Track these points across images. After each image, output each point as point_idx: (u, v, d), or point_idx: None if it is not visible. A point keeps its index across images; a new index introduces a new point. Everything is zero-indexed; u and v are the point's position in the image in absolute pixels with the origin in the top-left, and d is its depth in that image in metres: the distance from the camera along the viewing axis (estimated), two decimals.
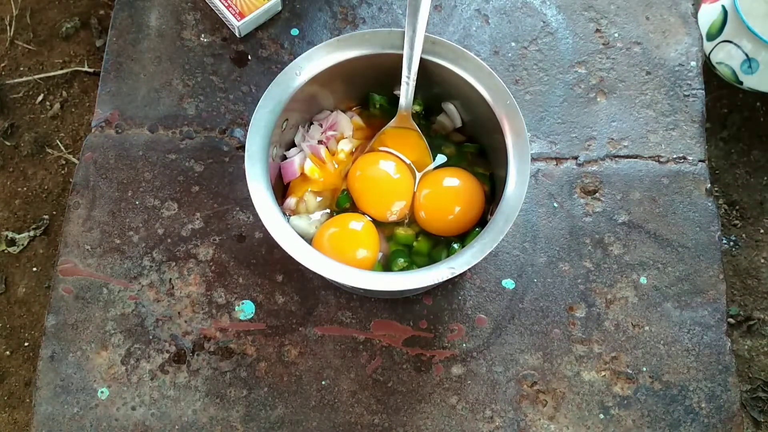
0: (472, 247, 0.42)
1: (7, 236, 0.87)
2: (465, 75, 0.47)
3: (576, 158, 0.59)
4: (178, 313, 0.54)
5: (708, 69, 0.94)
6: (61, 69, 0.94)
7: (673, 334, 0.54)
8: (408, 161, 0.51)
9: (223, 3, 0.61)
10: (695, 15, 0.64)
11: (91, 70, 0.94)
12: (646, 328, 0.54)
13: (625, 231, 0.56)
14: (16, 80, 0.93)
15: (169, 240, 0.56)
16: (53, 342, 0.54)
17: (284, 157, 0.52)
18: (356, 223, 0.49)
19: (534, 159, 0.59)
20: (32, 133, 0.91)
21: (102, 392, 0.52)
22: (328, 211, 0.51)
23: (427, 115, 0.54)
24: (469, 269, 0.44)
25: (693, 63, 0.62)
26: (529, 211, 0.57)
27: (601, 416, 0.52)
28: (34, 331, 0.84)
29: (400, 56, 0.47)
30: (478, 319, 0.54)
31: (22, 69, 0.94)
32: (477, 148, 0.52)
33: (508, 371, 0.53)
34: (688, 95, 0.61)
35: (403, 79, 0.48)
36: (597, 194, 0.58)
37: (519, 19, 0.64)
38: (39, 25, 0.96)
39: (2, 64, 0.94)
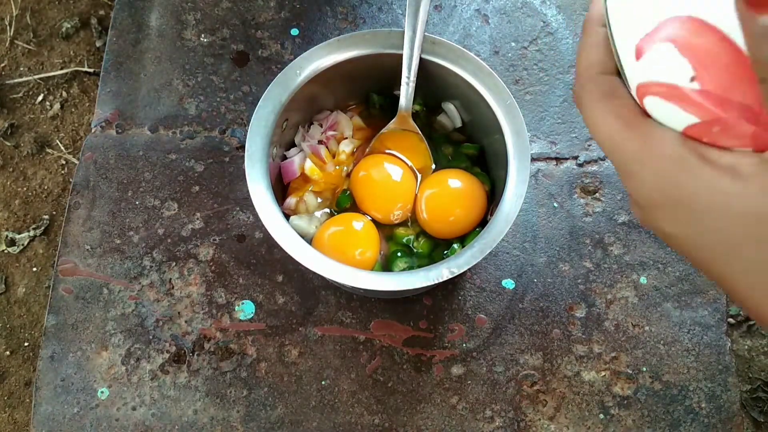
0: (472, 248, 0.42)
1: (7, 236, 0.86)
2: (465, 75, 0.47)
3: (576, 158, 0.59)
4: (178, 313, 0.54)
5: None
6: (61, 69, 0.94)
7: (673, 334, 0.54)
8: (410, 163, 0.51)
9: None
10: None
11: (91, 70, 0.94)
12: (646, 328, 0.54)
13: (625, 231, 0.56)
14: (16, 80, 0.93)
15: (169, 240, 0.56)
16: (53, 342, 0.54)
17: (284, 157, 0.52)
18: (356, 223, 0.49)
19: (534, 159, 0.59)
20: (32, 133, 0.91)
21: (102, 392, 0.52)
22: (328, 211, 0.51)
23: (427, 115, 0.54)
24: (469, 269, 0.44)
25: None
26: (529, 211, 0.57)
27: (601, 416, 0.52)
28: (34, 331, 0.84)
29: (400, 56, 0.47)
30: (478, 319, 0.54)
31: (22, 69, 0.94)
32: (477, 148, 0.52)
33: (508, 371, 0.53)
34: None
35: (403, 79, 0.48)
36: (597, 194, 0.58)
37: (519, 19, 0.64)
38: (39, 25, 0.96)
39: (2, 64, 0.94)
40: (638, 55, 0.25)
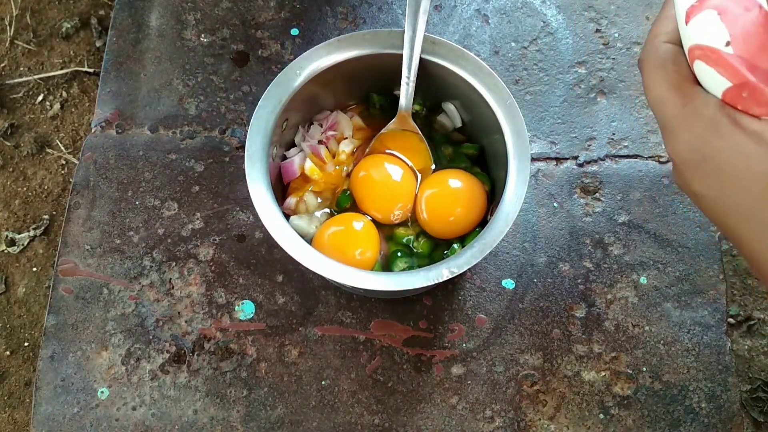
0: (472, 248, 0.42)
1: (7, 236, 0.86)
2: (465, 75, 0.47)
3: (576, 158, 0.59)
4: (178, 313, 0.54)
5: None
6: (61, 69, 0.94)
7: (673, 334, 0.54)
8: (410, 163, 0.51)
9: None
10: None
11: (91, 70, 0.94)
12: (646, 328, 0.54)
13: (625, 231, 0.56)
14: (16, 80, 0.93)
15: (169, 240, 0.56)
16: (53, 342, 0.54)
17: (284, 157, 0.52)
18: (356, 223, 0.49)
19: (534, 159, 0.59)
20: (32, 133, 0.91)
21: (102, 392, 0.52)
22: (328, 211, 0.51)
23: (427, 115, 0.54)
24: (469, 269, 0.44)
25: None
26: (529, 211, 0.57)
27: (601, 416, 0.52)
28: (34, 331, 0.84)
29: (400, 56, 0.47)
30: (478, 319, 0.54)
31: (22, 69, 0.94)
32: (477, 148, 0.52)
33: (508, 371, 0.53)
34: None
35: (403, 79, 0.48)
36: (597, 194, 0.58)
37: (519, 19, 0.64)
38: (39, 25, 0.96)
39: (2, 64, 0.94)
40: (687, 19, 0.28)
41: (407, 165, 0.51)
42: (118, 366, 0.53)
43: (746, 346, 0.82)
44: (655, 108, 0.31)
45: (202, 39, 0.63)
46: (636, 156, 0.59)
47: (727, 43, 0.26)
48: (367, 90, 0.53)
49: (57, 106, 0.92)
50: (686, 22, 0.28)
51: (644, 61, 0.32)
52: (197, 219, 0.57)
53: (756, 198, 0.27)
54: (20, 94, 0.93)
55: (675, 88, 0.29)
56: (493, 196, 0.50)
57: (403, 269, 0.48)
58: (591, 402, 0.52)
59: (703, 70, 0.28)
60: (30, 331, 0.84)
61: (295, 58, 0.47)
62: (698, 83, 0.29)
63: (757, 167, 0.26)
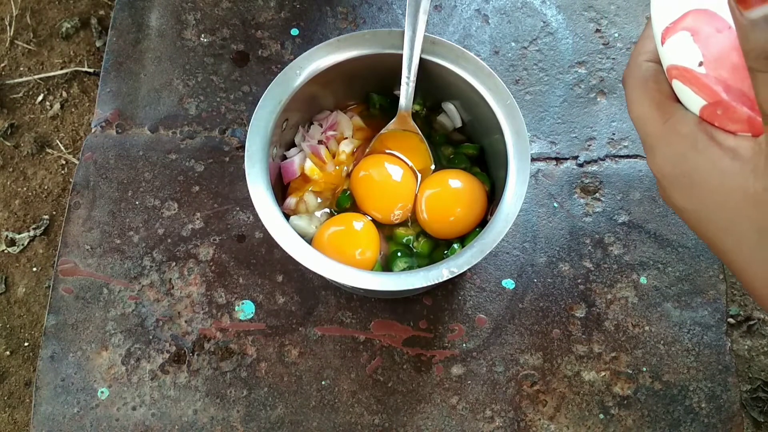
0: (472, 248, 0.42)
1: (7, 236, 0.87)
2: (465, 75, 0.47)
3: (576, 158, 0.59)
4: (178, 313, 0.54)
5: None
6: (61, 69, 0.94)
7: (673, 334, 0.54)
8: (410, 163, 0.51)
9: None
10: None
11: (91, 70, 0.94)
12: (646, 328, 0.54)
13: (625, 231, 0.56)
14: (16, 80, 0.93)
15: (169, 240, 0.56)
16: (53, 342, 0.54)
17: (284, 157, 0.52)
18: (356, 223, 0.49)
19: (534, 159, 0.59)
20: (32, 133, 0.91)
21: (102, 392, 0.52)
22: (328, 211, 0.51)
23: (427, 115, 0.54)
24: (469, 269, 0.44)
25: None
26: (529, 211, 0.57)
27: (601, 416, 0.52)
28: (34, 331, 0.84)
29: (400, 56, 0.47)
30: (478, 319, 0.54)
31: (22, 69, 0.94)
32: (477, 148, 0.52)
33: (508, 371, 0.53)
34: None
35: (403, 79, 0.48)
36: (597, 194, 0.58)
37: (519, 19, 0.64)
38: (39, 25, 0.96)
39: (2, 64, 0.94)
40: (663, 40, 0.29)
41: (407, 165, 0.51)
42: (118, 366, 0.53)
43: (746, 346, 0.82)
44: (637, 124, 0.32)
45: (202, 39, 0.63)
46: (636, 156, 0.59)
47: (701, 64, 0.27)
48: (367, 90, 0.53)
49: (57, 106, 0.92)
50: (662, 43, 0.29)
51: (627, 79, 0.32)
52: (197, 219, 0.57)
53: (732, 211, 0.28)
54: (20, 94, 0.93)
55: (656, 105, 0.30)
56: (493, 196, 0.50)
57: (403, 269, 0.48)
58: (591, 402, 0.52)
59: (680, 89, 0.29)
60: (30, 331, 0.84)
61: (295, 58, 0.47)
62: (678, 101, 0.30)
63: (733, 181, 0.27)
